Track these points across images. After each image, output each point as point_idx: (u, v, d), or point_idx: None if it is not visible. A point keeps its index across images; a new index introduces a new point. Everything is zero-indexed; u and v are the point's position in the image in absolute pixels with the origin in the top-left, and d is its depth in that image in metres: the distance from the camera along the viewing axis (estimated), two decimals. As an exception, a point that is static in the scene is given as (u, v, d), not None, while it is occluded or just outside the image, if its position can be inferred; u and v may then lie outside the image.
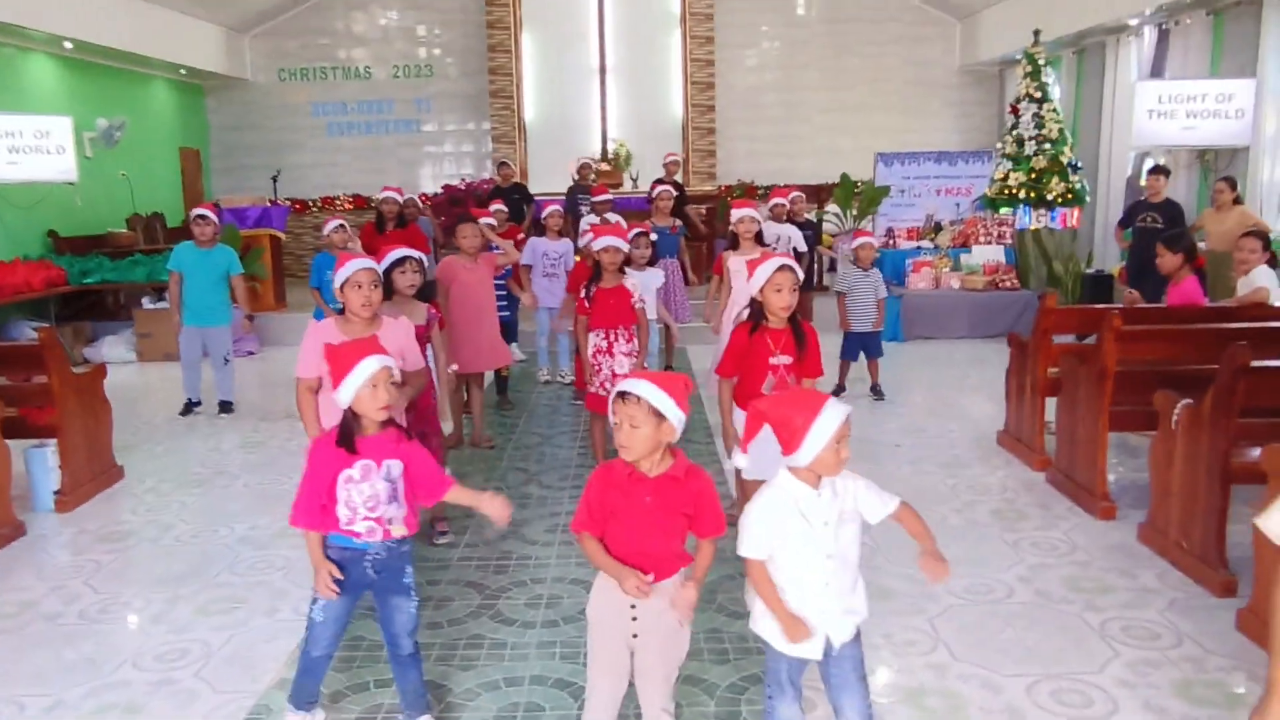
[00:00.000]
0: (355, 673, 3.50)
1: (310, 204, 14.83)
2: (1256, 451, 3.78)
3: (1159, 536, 4.43)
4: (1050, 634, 3.70)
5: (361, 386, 2.76)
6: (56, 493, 5.38)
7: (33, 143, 9.59)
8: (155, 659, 3.68)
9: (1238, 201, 8.60)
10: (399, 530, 2.88)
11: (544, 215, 8.29)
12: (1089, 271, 10.66)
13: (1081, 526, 4.82)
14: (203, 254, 7.23)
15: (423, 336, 4.45)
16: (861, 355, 7.48)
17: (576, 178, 10.83)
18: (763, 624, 2.61)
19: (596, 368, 5.55)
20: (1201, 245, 8.52)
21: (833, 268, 11.09)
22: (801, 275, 3.88)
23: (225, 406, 7.47)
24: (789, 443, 2.44)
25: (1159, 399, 4.43)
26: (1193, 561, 4.14)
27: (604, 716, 2.68)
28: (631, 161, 14.14)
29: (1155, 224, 8.53)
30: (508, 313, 7.00)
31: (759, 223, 6.14)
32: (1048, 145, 10.79)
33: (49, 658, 3.70)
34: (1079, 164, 11.00)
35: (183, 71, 13.45)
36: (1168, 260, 5.88)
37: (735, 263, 5.48)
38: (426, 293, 5.18)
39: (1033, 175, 10.78)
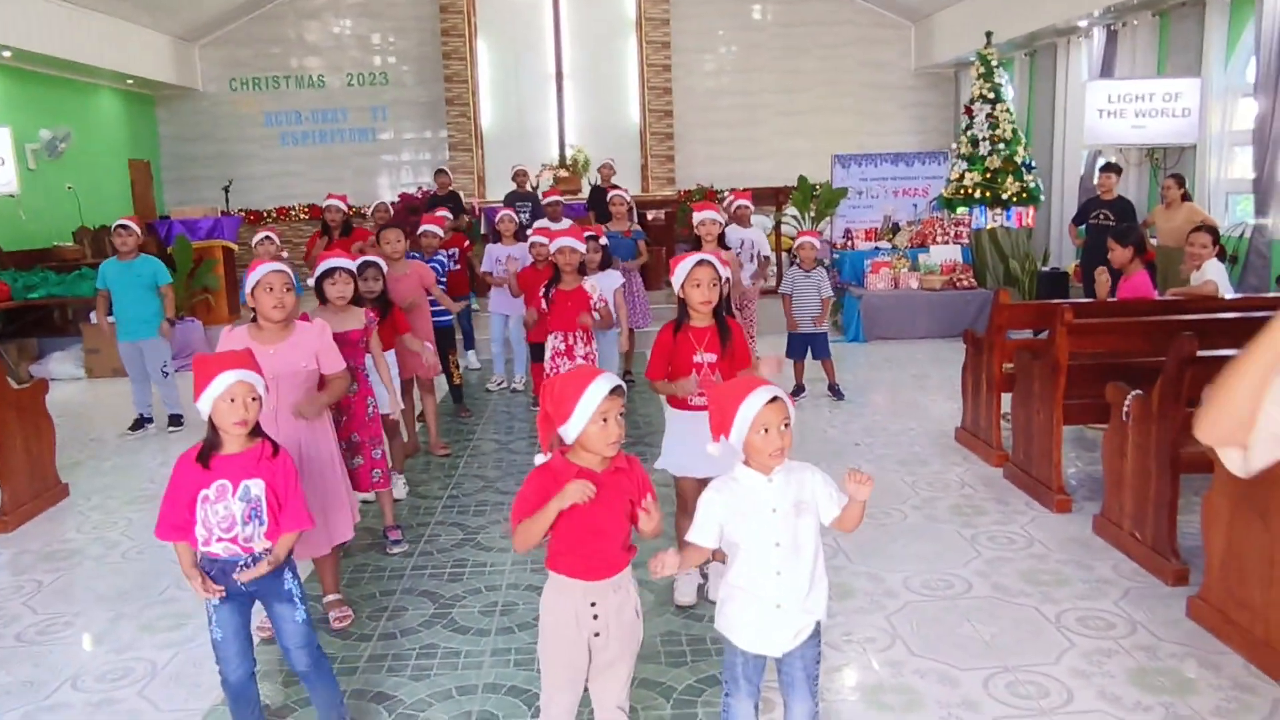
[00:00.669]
0: (298, 688, 3.41)
1: (265, 215, 14.65)
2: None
3: (1113, 528, 4.45)
4: (1007, 627, 3.70)
5: (218, 399, 2.68)
6: (-3, 511, 5.23)
7: (-29, 154, 9.37)
8: (96, 679, 3.57)
9: (1186, 198, 8.73)
10: (260, 545, 2.77)
11: (496, 221, 8.23)
12: (1045, 269, 10.78)
13: (1038, 520, 4.83)
14: (125, 267, 7.03)
15: (358, 342, 4.37)
16: (810, 357, 7.49)
17: (515, 185, 10.94)
18: (722, 619, 2.59)
19: (555, 370, 5.50)
20: (1153, 241, 8.64)
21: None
22: (725, 273, 3.81)
23: (175, 420, 7.31)
24: (722, 428, 2.44)
25: (1110, 391, 4.46)
26: (1146, 551, 4.16)
27: None
28: (590, 167, 14.10)
29: (1108, 221, 8.63)
30: (447, 319, 6.89)
31: (721, 225, 6.12)
32: (1002, 145, 10.89)
33: (-16, 681, 3.58)
34: (1033, 163, 11.12)
35: (130, 81, 13.23)
36: (1119, 254, 5.94)
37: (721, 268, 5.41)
38: (384, 300, 5.11)
39: (988, 175, 10.87)
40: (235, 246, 11.49)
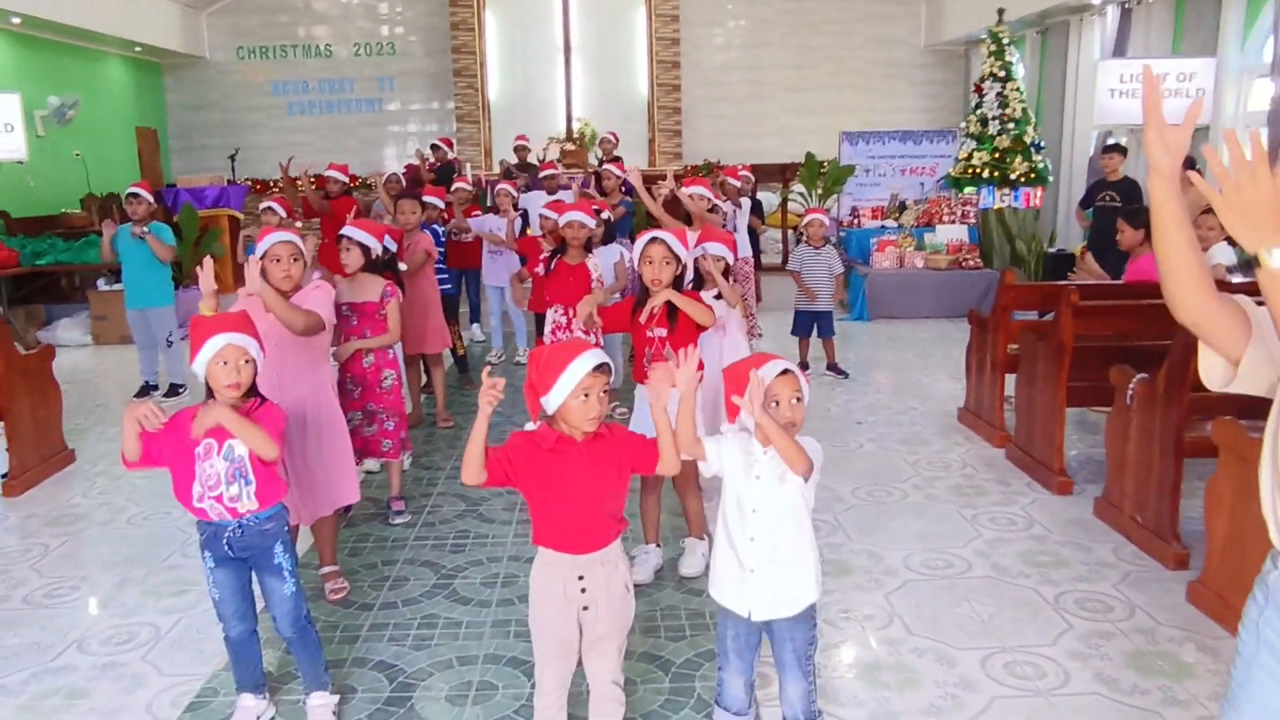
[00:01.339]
0: (306, 654, 3.45)
1: (271, 184, 14.59)
2: (1209, 426, 3.80)
3: (1114, 511, 4.46)
4: (1005, 608, 3.71)
5: (210, 361, 2.73)
6: (3, 476, 5.26)
7: (-21, 120, 9.35)
8: (101, 643, 3.60)
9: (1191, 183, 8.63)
10: (247, 506, 2.80)
11: (495, 193, 8.22)
12: (1051, 250, 10.73)
13: (1039, 502, 4.84)
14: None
15: (374, 314, 4.38)
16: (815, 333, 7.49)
17: (516, 158, 10.92)
18: (712, 576, 2.63)
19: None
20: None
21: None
22: (681, 251, 3.82)
23: (174, 389, 7.33)
24: (735, 403, 2.45)
25: (1114, 374, 4.45)
26: (1147, 535, 4.17)
27: (556, 698, 2.65)
28: (597, 140, 14.03)
29: (1114, 202, 8.57)
30: (451, 289, 6.91)
31: (709, 200, 6.09)
32: (1011, 125, 10.81)
33: (-10, 643, 3.61)
34: (1042, 143, 11.05)
35: (138, 49, 13.18)
36: (1128, 236, 5.91)
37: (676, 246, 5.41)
38: (393, 265, 5.10)
39: (996, 155, 10.81)
40: (241, 215, 11.48)
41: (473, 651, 3.46)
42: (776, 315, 9.09)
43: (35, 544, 4.60)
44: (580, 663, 2.63)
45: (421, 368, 6.46)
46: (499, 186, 8.19)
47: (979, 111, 11.05)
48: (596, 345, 5.53)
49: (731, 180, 7.80)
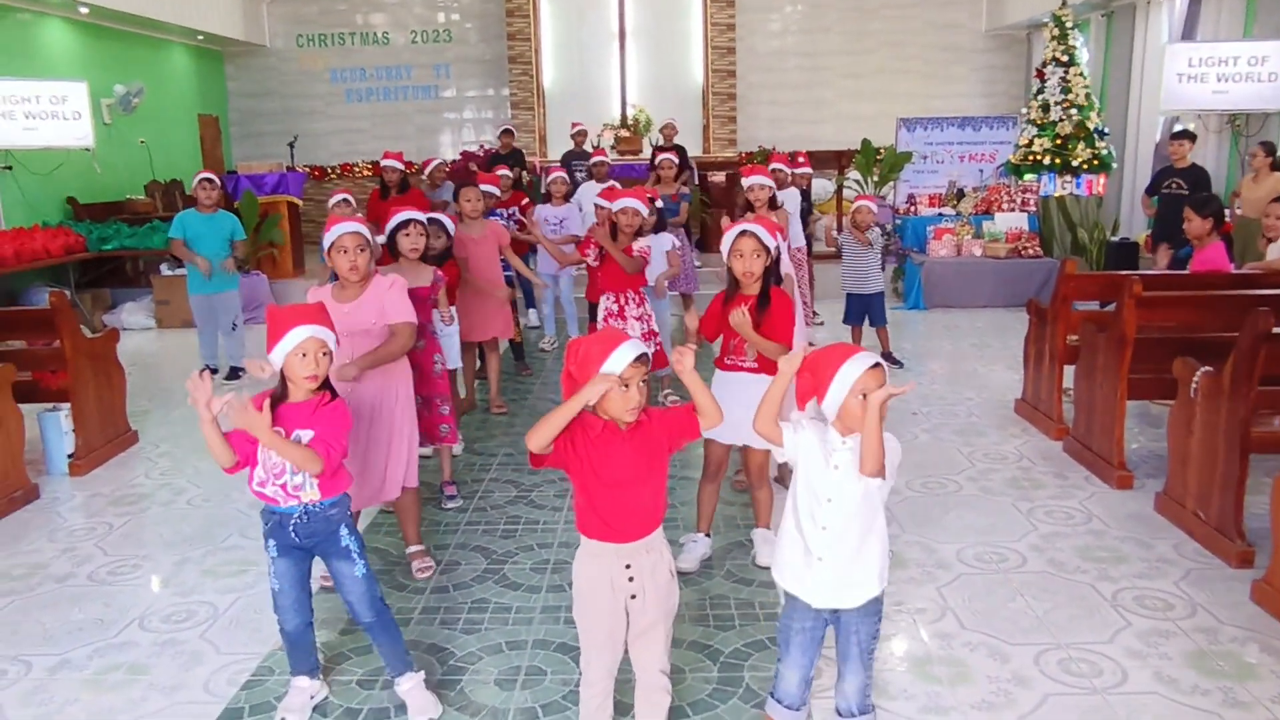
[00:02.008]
0: (359, 635, 3.49)
1: (329, 171, 14.82)
2: (1277, 421, 3.69)
3: (1176, 506, 4.35)
4: (1061, 603, 3.65)
5: (290, 353, 2.75)
6: (71, 456, 5.41)
7: (49, 108, 9.60)
8: (162, 620, 3.69)
9: (1275, 168, 8.34)
10: (311, 494, 2.83)
11: (549, 181, 8.24)
12: (1114, 239, 10.49)
13: (1098, 496, 4.74)
14: (206, 219, 7.22)
15: (427, 299, 4.41)
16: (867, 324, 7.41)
17: (573, 144, 10.92)
18: (775, 556, 2.62)
19: None
20: (1238, 212, 8.33)
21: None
22: (772, 243, 3.78)
23: (234, 373, 7.49)
24: (816, 391, 2.44)
25: (1178, 366, 4.34)
26: (1209, 532, 4.06)
27: (603, 688, 2.66)
28: (651, 127, 13.99)
29: (1180, 190, 8.34)
30: (508, 273, 6.94)
31: (771, 189, 6.04)
32: (1074, 110, 10.57)
33: (57, 618, 3.72)
34: (1106, 130, 10.78)
35: (200, 37, 13.42)
36: (1195, 225, 5.74)
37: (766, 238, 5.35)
38: (445, 256, 5.16)
39: (1058, 141, 10.58)
40: (300, 202, 11.65)
41: (522, 636, 3.49)
42: (826, 304, 9.03)
43: (100, 523, 4.73)
44: (625, 652, 2.64)
45: (477, 354, 6.51)
46: (554, 175, 8.22)
47: (1040, 97, 10.82)
48: (651, 334, 5.53)
49: (782, 167, 7.74)
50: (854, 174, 11.66)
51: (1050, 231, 10.54)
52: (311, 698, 3.05)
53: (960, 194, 11.16)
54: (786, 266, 5.30)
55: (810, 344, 6.10)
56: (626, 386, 2.40)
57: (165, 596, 3.91)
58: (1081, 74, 10.70)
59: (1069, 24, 10.78)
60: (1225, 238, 5.78)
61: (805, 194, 8.66)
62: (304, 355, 2.76)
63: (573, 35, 14.48)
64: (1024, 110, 11.34)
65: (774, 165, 7.73)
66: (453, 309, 4.95)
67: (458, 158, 13.35)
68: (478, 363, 6.62)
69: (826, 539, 2.50)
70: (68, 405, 5.43)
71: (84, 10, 10.67)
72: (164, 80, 12.96)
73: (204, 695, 3.17)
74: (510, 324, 6.31)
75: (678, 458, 2.71)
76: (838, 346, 2.49)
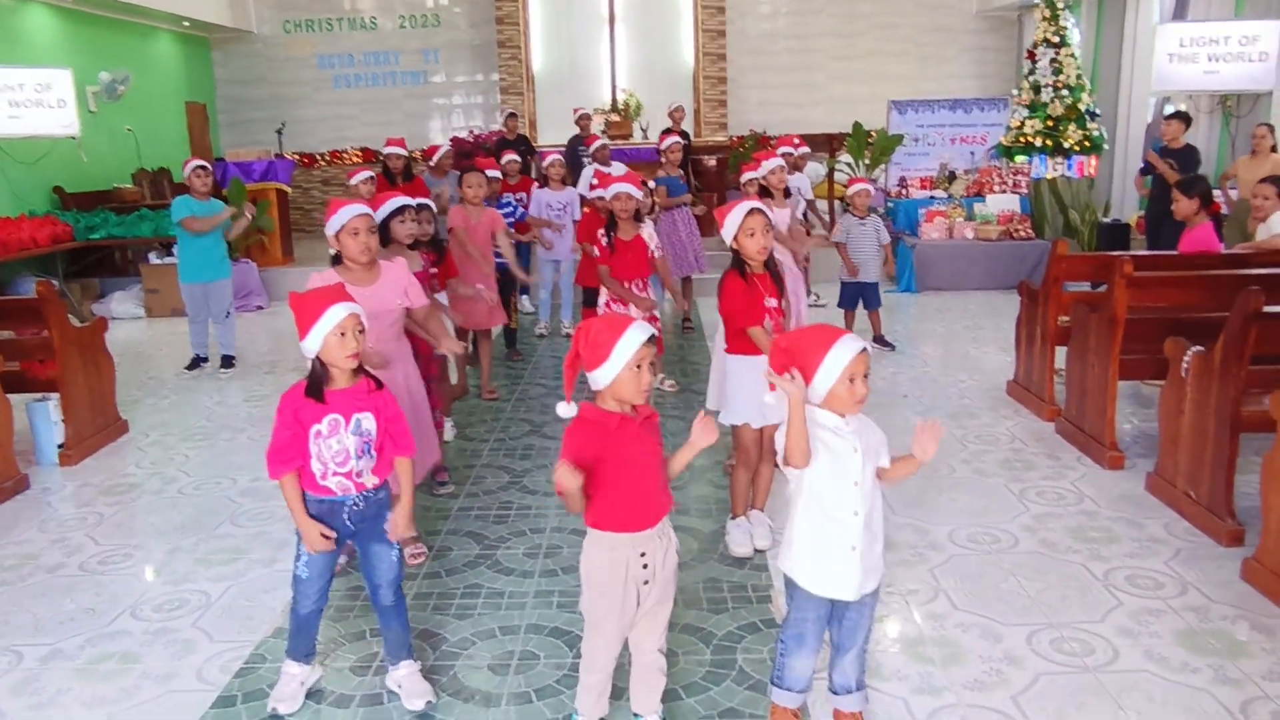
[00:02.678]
0: (352, 622, 3.50)
1: (318, 157, 14.74)
2: (1268, 400, 3.69)
3: (1167, 486, 4.36)
4: (1053, 583, 3.66)
5: (329, 334, 2.69)
6: (60, 446, 5.39)
7: (33, 96, 9.53)
8: (154, 609, 3.68)
9: (1275, 149, 8.29)
10: (370, 480, 2.83)
11: (545, 165, 8.20)
12: (1106, 221, 10.49)
13: (1089, 476, 4.76)
14: (201, 207, 7.15)
15: (422, 281, 4.38)
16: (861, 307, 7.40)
17: (578, 129, 10.83)
18: (797, 567, 2.57)
19: None
20: (1233, 193, 8.32)
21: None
22: (774, 219, 3.78)
23: (227, 361, 7.45)
24: (805, 375, 2.43)
25: (1169, 346, 4.34)
26: (1200, 511, 4.08)
27: (608, 674, 2.68)
28: (641, 112, 13.94)
29: (1172, 170, 8.35)
30: (504, 262, 6.92)
31: (786, 171, 6.02)
32: (1065, 92, 10.56)
33: (48, 608, 3.71)
34: (1097, 111, 10.77)
35: (186, 24, 13.31)
36: (1183, 205, 5.75)
37: (775, 215, 5.32)
38: (434, 242, 5.13)
39: (1049, 123, 10.57)
40: (289, 189, 11.60)
41: (515, 621, 3.49)
42: (821, 287, 9.01)
43: (91, 512, 4.71)
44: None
45: (470, 340, 6.49)
46: (550, 159, 8.18)
47: (1032, 79, 10.80)
48: (653, 319, 5.53)
49: (791, 150, 7.71)
50: (845, 157, 11.63)
51: (1042, 213, 10.54)
52: (303, 684, 3.04)
53: (952, 176, 11.15)
54: (781, 251, 5.31)
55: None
56: (639, 368, 2.40)
57: (157, 585, 3.89)
58: (1073, 55, 10.69)
59: (1060, 5, 10.75)
60: (1214, 218, 5.77)
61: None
62: (343, 334, 2.71)
63: (562, 19, 14.40)
64: (1015, 92, 11.33)
65: (783, 149, 7.69)
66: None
67: (447, 144, 13.27)
68: (469, 349, 6.60)
69: (859, 525, 2.48)
70: (57, 395, 5.41)
71: (68, -3, 10.58)
72: (150, 68, 12.86)
73: (197, 683, 3.16)
74: (502, 313, 6.28)
75: (668, 441, 2.71)
76: (821, 329, 2.48)
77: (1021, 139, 10.74)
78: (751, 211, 3.64)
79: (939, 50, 14.62)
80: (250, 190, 10.57)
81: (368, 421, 2.78)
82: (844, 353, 2.40)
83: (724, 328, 3.92)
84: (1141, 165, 9.43)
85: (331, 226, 3.58)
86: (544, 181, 8.21)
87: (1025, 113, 10.77)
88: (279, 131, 13.44)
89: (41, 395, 5.43)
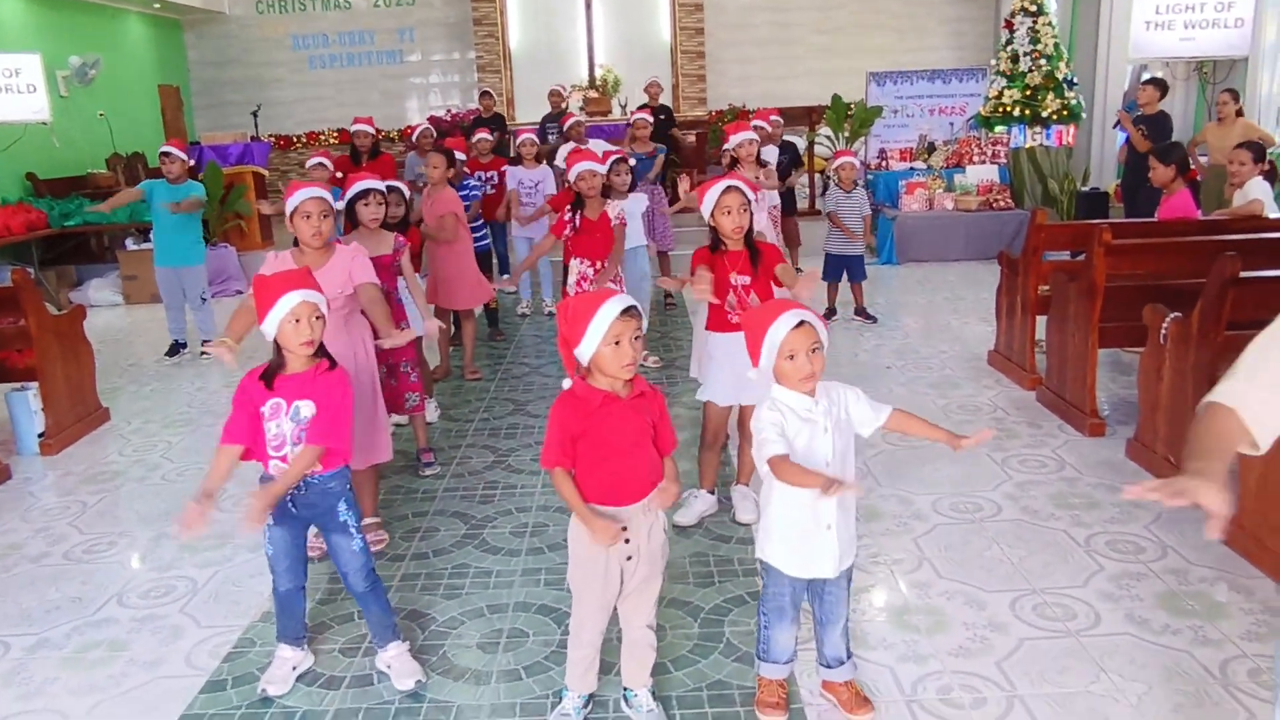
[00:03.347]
0: (340, 604, 3.51)
1: (294, 139, 14.60)
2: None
3: (1147, 452, 4.41)
4: (1035, 550, 3.70)
5: (283, 320, 2.71)
6: (41, 436, 5.35)
7: (2, 82, 9.39)
8: (140, 596, 3.68)
9: (1240, 114, 8.38)
10: (313, 468, 2.82)
11: (518, 143, 8.14)
12: (1084, 189, 10.52)
13: (1070, 444, 4.80)
14: (171, 191, 7.05)
15: (390, 266, 4.36)
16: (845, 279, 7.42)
17: (550, 106, 10.75)
18: (771, 550, 2.62)
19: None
20: (1203, 159, 8.36)
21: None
22: (752, 196, 3.77)
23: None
24: (753, 354, 2.46)
25: (1147, 313, 4.38)
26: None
27: (597, 644, 2.71)
28: (620, 87, 13.86)
29: (1143, 137, 8.37)
30: (485, 242, 6.90)
31: (758, 143, 6.00)
32: (1043, 61, 10.55)
33: (33, 598, 3.70)
34: (1075, 80, 10.78)
35: (157, 5, 13.12)
36: (1160, 173, 5.78)
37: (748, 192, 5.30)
38: (405, 223, 5.09)
39: (1027, 92, 10.57)
40: (266, 172, 11.48)
41: (503, 600, 3.50)
42: (805, 260, 9.02)
43: (74, 501, 4.69)
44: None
45: (451, 320, 6.47)
46: (522, 137, 8.12)
47: (1009, 48, 10.79)
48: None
49: (763, 124, 7.67)
50: (825, 130, 11.61)
51: (1021, 183, 10.56)
52: (294, 668, 3.05)
53: (931, 148, 11.15)
54: (761, 225, 5.30)
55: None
56: (619, 343, 2.40)
57: (143, 572, 3.89)
58: (1050, 23, 10.67)
59: (1037, -27, 10.72)
60: (1191, 185, 5.81)
61: (787, 148, 8.61)
62: (297, 321, 2.71)
63: (538, -5, 14.27)
64: (993, 62, 11.31)
65: (756, 121, 7.66)
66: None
67: (425, 123, 13.16)
68: (451, 329, 6.59)
69: (832, 503, 2.50)
70: (35, 384, 5.37)
71: (35, -20, 10.40)
72: (121, 51, 12.68)
73: (186, 669, 3.16)
74: (484, 290, 6.25)
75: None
76: (768, 306, 2.48)
77: (1000, 109, 10.74)
78: (728, 189, 3.65)
79: (917, 21, 14.56)
80: (227, 174, 10.48)
81: (307, 409, 2.77)
82: (779, 330, 2.40)
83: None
84: (1125, 135, 9.45)
85: (287, 208, 3.57)
86: (518, 160, 8.17)
87: (1003, 82, 10.76)
88: (254, 114, 13.29)
89: (20, 385, 5.39)
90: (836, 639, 2.70)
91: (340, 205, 4.45)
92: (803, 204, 11.20)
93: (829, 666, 2.74)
